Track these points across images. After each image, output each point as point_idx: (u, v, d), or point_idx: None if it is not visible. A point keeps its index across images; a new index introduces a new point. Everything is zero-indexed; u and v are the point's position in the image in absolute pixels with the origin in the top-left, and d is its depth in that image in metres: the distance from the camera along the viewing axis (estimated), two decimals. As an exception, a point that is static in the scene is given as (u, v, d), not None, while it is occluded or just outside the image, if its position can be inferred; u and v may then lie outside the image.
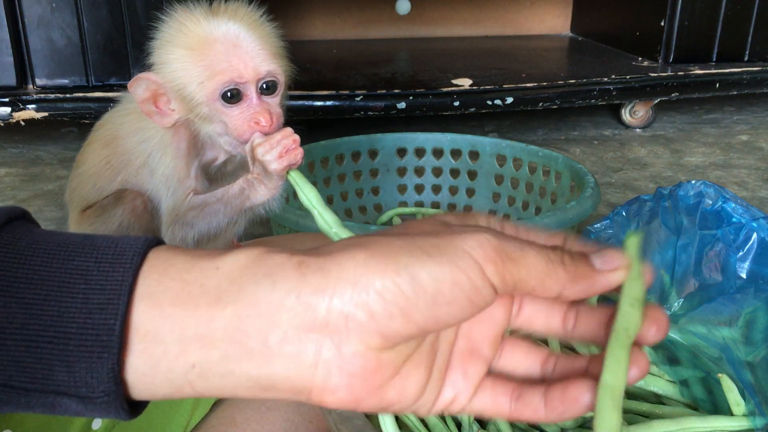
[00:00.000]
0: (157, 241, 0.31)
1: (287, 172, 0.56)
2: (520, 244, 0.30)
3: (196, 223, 0.62)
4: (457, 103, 1.65)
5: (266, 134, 0.58)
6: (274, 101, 0.59)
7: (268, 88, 0.58)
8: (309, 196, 0.52)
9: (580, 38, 2.44)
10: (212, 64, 0.56)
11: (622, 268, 0.31)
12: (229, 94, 0.56)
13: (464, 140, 1.27)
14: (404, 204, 1.30)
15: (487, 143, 1.25)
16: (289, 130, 0.55)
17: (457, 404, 0.33)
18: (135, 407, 0.29)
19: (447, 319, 0.29)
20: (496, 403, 0.33)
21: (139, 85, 0.58)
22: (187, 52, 0.57)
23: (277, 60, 0.59)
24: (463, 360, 0.33)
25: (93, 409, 0.28)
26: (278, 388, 0.29)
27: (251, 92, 0.57)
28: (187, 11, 0.58)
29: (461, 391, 0.33)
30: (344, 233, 0.48)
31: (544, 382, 0.33)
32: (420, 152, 1.29)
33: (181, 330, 0.28)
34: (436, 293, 0.28)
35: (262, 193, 0.59)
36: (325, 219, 0.50)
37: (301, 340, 0.28)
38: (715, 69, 1.85)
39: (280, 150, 0.55)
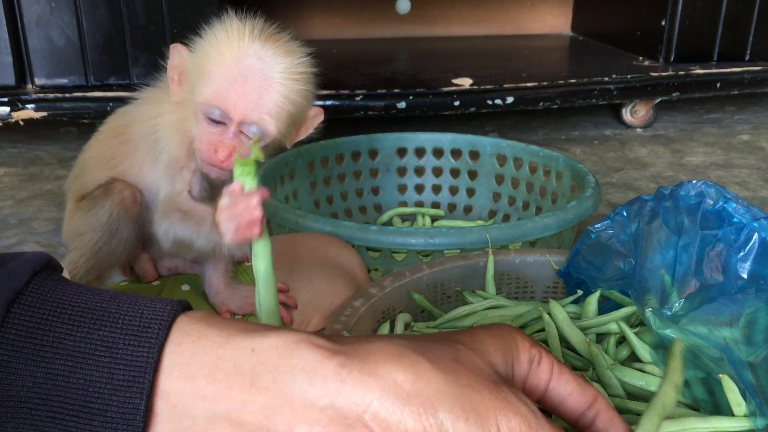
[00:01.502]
0: (185, 306, 0.31)
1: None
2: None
3: (177, 227, 0.62)
4: (457, 103, 1.64)
5: (215, 165, 0.58)
6: (248, 143, 0.59)
7: (248, 135, 0.58)
8: (258, 268, 0.49)
9: (580, 38, 2.43)
10: (217, 83, 0.57)
11: None
12: (214, 117, 0.57)
13: (464, 140, 1.27)
14: (404, 204, 1.30)
15: (488, 143, 1.25)
16: (254, 201, 0.50)
17: None
18: None
19: None
20: None
21: (175, 53, 0.60)
22: (212, 58, 0.58)
23: (276, 120, 0.58)
24: None
25: None
26: None
27: (231, 126, 0.58)
28: (241, 30, 0.58)
29: None
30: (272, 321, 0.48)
31: None
32: (420, 152, 1.29)
33: (212, 407, 0.28)
34: None
35: (219, 238, 0.57)
36: (261, 303, 0.49)
37: None
38: (716, 68, 1.85)
39: (238, 224, 0.51)
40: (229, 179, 0.66)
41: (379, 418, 0.28)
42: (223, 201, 0.52)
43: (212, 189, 0.65)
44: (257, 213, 0.50)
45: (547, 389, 0.35)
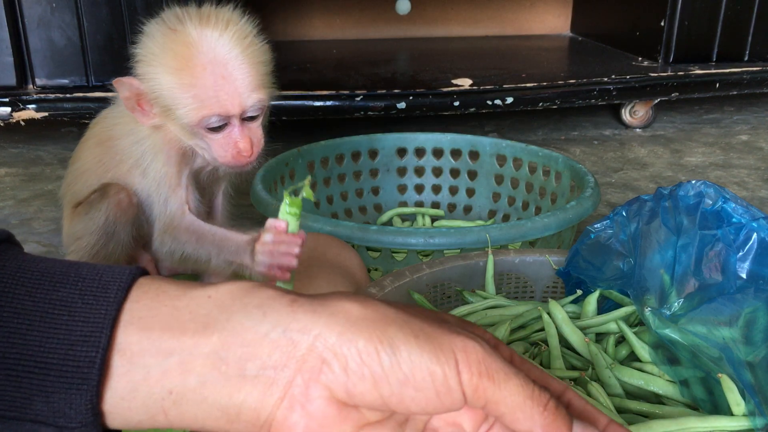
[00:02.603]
0: (143, 272, 0.31)
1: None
2: (507, 369, 0.29)
3: (188, 247, 0.62)
4: (457, 103, 1.65)
5: (245, 164, 0.58)
6: (256, 124, 0.59)
7: (251, 116, 0.58)
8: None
9: (580, 38, 2.43)
10: (200, 95, 0.56)
11: None
12: (214, 124, 0.57)
13: (464, 140, 1.27)
14: (404, 204, 1.30)
15: (487, 143, 1.25)
16: (296, 244, 0.51)
17: None
18: None
19: (410, 404, 0.29)
20: None
21: (123, 86, 0.58)
22: (174, 78, 0.56)
23: (263, 88, 0.58)
24: None
25: None
26: (243, 419, 0.29)
27: (234, 122, 0.57)
28: (176, 20, 0.57)
29: None
30: None
31: None
32: (420, 152, 1.29)
33: (165, 354, 0.28)
34: (409, 374, 0.28)
35: (247, 262, 0.59)
36: None
37: (276, 373, 0.28)
38: (715, 69, 1.85)
39: (275, 263, 0.53)
40: (215, 169, 0.66)
41: (330, 342, 0.28)
42: (267, 236, 0.53)
43: (201, 193, 0.65)
44: (295, 262, 0.52)
45: None
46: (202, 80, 0.55)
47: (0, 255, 0.30)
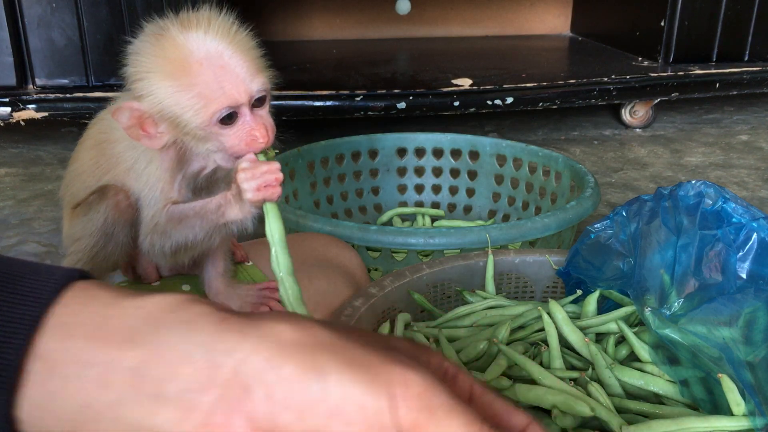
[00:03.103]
0: (82, 275, 0.30)
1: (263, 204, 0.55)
2: (452, 404, 0.26)
3: (173, 234, 0.62)
4: (457, 103, 1.65)
5: (261, 151, 0.58)
6: (265, 111, 0.59)
7: (259, 102, 0.58)
8: (273, 232, 0.53)
9: (580, 38, 2.43)
10: (204, 92, 0.56)
11: None
12: (227, 117, 0.57)
13: (464, 140, 1.27)
14: (404, 204, 1.30)
15: (487, 143, 1.25)
16: (276, 165, 0.55)
17: None
18: None
19: None
20: None
21: (123, 114, 0.58)
22: (174, 83, 0.56)
23: (263, 72, 0.59)
24: None
25: None
26: None
27: (245, 111, 0.57)
28: (159, 30, 0.57)
29: None
30: (289, 282, 0.50)
31: None
32: (420, 152, 1.29)
33: (85, 365, 0.27)
34: (338, 406, 0.25)
35: (235, 212, 0.59)
36: (279, 260, 0.51)
37: (196, 397, 0.26)
38: (715, 69, 1.85)
39: (260, 183, 0.55)
40: (213, 171, 0.66)
41: (255, 367, 0.26)
42: (243, 164, 0.55)
43: (195, 193, 0.65)
44: (280, 174, 0.54)
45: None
46: (203, 77, 0.55)
47: None
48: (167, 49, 0.56)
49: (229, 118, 0.57)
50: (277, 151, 0.58)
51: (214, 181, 0.67)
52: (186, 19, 0.57)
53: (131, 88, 0.58)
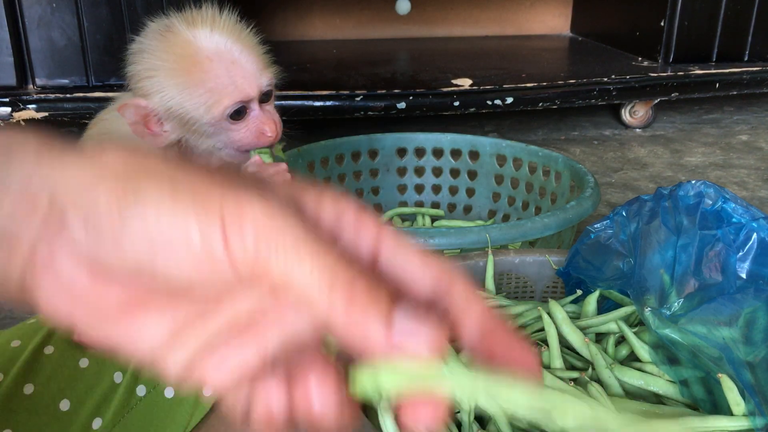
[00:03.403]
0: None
1: None
2: (305, 245, 0.22)
3: None
4: (457, 103, 1.65)
5: (269, 145, 0.58)
6: (271, 106, 0.60)
7: (266, 96, 0.59)
8: None
9: (580, 38, 2.44)
10: (216, 87, 0.56)
11: (422, 348, 0.22)
12: (237, 113, 0.57)
13: (464, 140, 1.27)
14: (404, 204, 1.30)
15: (487, 143, 1.25)
16: (283, 167, 0.54)
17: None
18: None
19: (166, 272, 0.22)
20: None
21: (129, 110, 0.58)
22: (183, 79, 0.56)
23: (268, 67, 0.59)
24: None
25: None
26: None
27: (254, 105, 0.58)
28: (164, 28, 0.57)
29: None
30: None
31: None
32: (420, 152, 1.29)
33: None
34: (156, 234, 0.22)
35: None
36: None
37: (19, 229, 0.23)
38: (715, 69, 1.85)
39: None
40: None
41: (70, 194, 0.22)
42: (250, 168, 0.55)
43: None
44: (287, 176, 0.52)
45: (374, 255, 0.25)
46: (214, 72, 0.56)
47: None
48: (175, 46, 0.56)
49: (238, 113, 0.57)
50: (284, 143, 0.58)
51: None
52: (191, 16, 0.57)
53: (137, 86, 0.58)
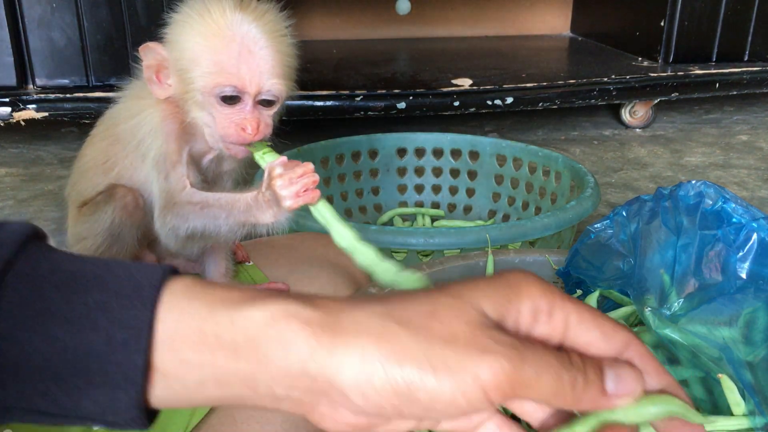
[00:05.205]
0: (172, 270, 0.32)
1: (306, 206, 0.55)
2: (537, 369, 0.29)
3: (192, 219, 0.61)
4: (457, 103, 1.65)
5: (247, 144, 0.58)
6: (268, 112, 0.59)
7: (267, 103, 0.58)
8: (324, 213, 0.52)
9: (580, 38, 2.44)
10: (222, 61, 0.56)
11: (632, 396, 0.31)
12: (230, 98, 0.57)
13: (464, 140, 1.27)
14: (404, 204, 1.30)
15: (487, 143, 1.25)
16: (310, 167, 0.54)
17: None
18: (151, 414, 0.32)
19: (435, 422, 0.31)
20: None
21: (148, 52, 0.59)
22: (202, 40, 0.57)
23: (284, 80, 0.59)
24: None
25: (117, 428, 0.31)
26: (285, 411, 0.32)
27: (248, 100, 0.57)
28: (214, 1, 0.58)
29: None
30: (363, 248, 0.50)
31: None
32: (420, 152, 1.29)
33: (200, 374, 0.30)
34: (430, 405, 0.29)
35: (268, 216, 0.58)
36: (342, 234, 0.51)
37: (302, 396, 0.30)
38: (715, 69, 1.85)
39: (298, 188, 0.54)
40: (219, 163, 0.66)
41: (347, 382, 0.29)
42: (277, 169, 0.54)
43: (202, 181, 0.65)
44: (316, 176, 0.53)
45: (564, 339, 0.33)
46: (229, 50, 0.56)
47: (30, 256, 0.31)
48: (213, 14, 0.57)
49: (231, 99, 0.57)
50: (270, 144, 0.57)
51: (220, 174, 0.67)
52: (246, 3, 0.58)
53: (165, 33, 0.60)
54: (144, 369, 0.29)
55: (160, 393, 0.30)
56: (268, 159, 0.56)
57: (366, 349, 0.29)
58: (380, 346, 0.29)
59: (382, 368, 0.29)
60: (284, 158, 0.55)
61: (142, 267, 0.31)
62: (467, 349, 0.29)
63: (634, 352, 0.33)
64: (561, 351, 0.31)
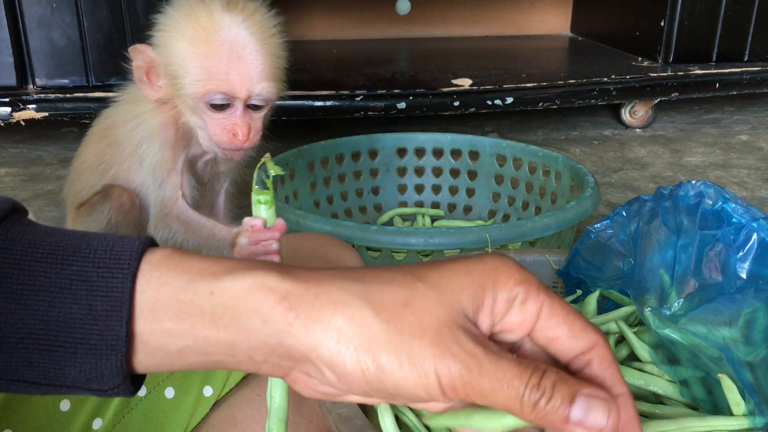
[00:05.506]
0: (150, 242, 0.32)
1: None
2: (492, 383, 0.30)
3: (179, 236, 0.62)
4: (457, 103, 1.65)
5: (238, 149, 0.57)
6: (258, 115, 0.59)
7: (257, 107, 0.58)
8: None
9: (580, 38, 2.44)
10: (211, 68, 0.56)
11: (596, 429, 0.30)
12: (220, 105, 0.57)
13: (464, 140, 1.27)
14: (404, 204, 1.30)
15: (487, 143, 1.25)
16: (274, 237, 0.49)
17: None
18: (136, 380, 0.33)
19: (402, 401, 0.32)
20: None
21: (137, 54, 0.59)
22: (190, 45, 0.56)
23: (274, 81, 0.59)
24: None
25: (103, 396, 0.32)
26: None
27: (238, 105, 0.57)
28: (202, 4, 0.57)
29: None
30: None
31: None
32: (420, 152, 1.29)
33: (181, 343, 0.31)
34: (395, 392, 0.31)
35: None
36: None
37: (280, 361, 0.31)
38: (715, 69, 1.85)
39: (257, 252, 0.50)
40: (216, 164, 0.66)
41: (322, 358, 0.30)
42: (242, 240, 0.51)
43: (202, 191, 0.65)
44: (276, 258, 0.49)
45: (532, 330, 0.33)
46: (217, 55, 0.56)
47: (9, 229, 0.31)
48: (200, 17, 0.56)
49: (221, 106, 0.57)
50: (283, 172, 0.54)
51: (217, 175, 0.67)
52: (234, 2, 0.57)
53: (154, 35, 0.59)
54: (126, 338, 0.30)
55: (143, 359, 0.31)
56: (256, 211, 0.50)
57: (342, 331, 0.30)
58: (354, 332, 0.30)
59: (356, 353, 0.30)
60: (257, 222, 0.48)
61: (120, 239, 0.32)
62: (432, 346, 0.30)
63: (596, 356, 0.32)
64: (535, 368, 0.30)
